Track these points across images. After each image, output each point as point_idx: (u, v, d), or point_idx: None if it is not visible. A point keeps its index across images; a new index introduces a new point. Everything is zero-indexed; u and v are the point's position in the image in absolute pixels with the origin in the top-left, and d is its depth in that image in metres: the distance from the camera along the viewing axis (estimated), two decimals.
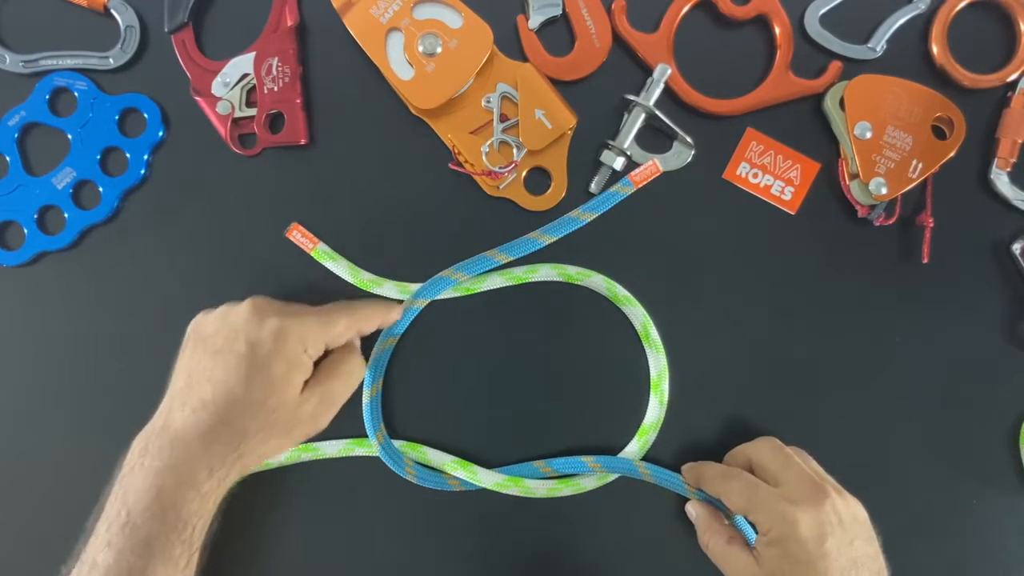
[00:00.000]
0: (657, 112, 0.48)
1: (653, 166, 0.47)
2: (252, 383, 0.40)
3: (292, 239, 0.48)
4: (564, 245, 0.48)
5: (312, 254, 0.48)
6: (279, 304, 0.43)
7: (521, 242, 0.47)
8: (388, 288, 0.48)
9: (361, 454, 0.48)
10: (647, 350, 0.48)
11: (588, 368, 0.49)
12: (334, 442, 0.48)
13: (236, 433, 0.40)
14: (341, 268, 0.48)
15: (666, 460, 0.48)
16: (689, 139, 0.48)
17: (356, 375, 0.45)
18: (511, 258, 0.48)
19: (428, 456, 0.48)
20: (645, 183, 0.47)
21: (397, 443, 0.48)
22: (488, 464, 0.48)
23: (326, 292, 0.49)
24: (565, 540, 0.48)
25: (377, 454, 0.47)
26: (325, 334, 0.43)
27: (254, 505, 0.48)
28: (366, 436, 0.48)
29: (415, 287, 0.48)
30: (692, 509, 0.47)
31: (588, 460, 0.47)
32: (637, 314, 0.48)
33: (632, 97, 0.48)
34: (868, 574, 0.40)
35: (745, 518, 0.43)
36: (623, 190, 0.47)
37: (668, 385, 0.48)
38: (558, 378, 0.49)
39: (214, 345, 0.41)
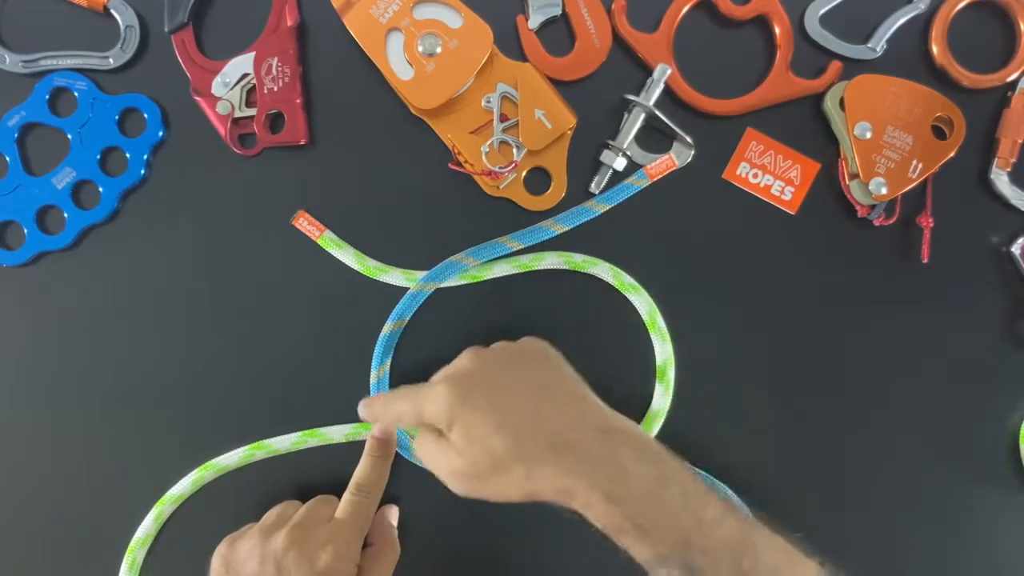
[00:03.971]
0: (657, 112, 0.48)
1: (669, 160, 0.47)
2: None
3: (299, 227, 0.48)
4: (567, 242, 0.48)
5: (319, 242, 0.48)
6: (309, 521, 0.43)
7: (533, 230, 0.48)
8: (395, 275, 0.48)
9: (366, 436, 0.48)
10: (653, 338, 0.48)
11: (594, 356, 0.48)
12: (340, 427, 0.48)
13: None
14: (347, 256, 0.48)
15: (673, 447, 0.48)
16: (689, 139, 0.48)
17: (393, 559, 0.46)
18: (522, 245, 0.48)
19: None
20: (660, 176, 0.47)
21: None
22: None
23: (325, 294, 0.49)
24: (570, 526, 0.48)
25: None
26: (363, 535, 0.44)
27: (261, 490, 0.48)
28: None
29: (421, 275, 0.48)
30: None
31: None
32: (643, 302, 0.48)
33: (632, 97, 0.48)
34: (560, 392, 0.39)
35: (428, 426, 0.41)
36: (638, 183, 0.48)
37: (674, 373, 0.48)
38: None
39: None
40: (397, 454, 0.48)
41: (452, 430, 0.38)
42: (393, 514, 0.48)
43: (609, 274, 0.48)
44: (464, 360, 0.41)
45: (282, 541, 0.41)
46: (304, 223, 0.48)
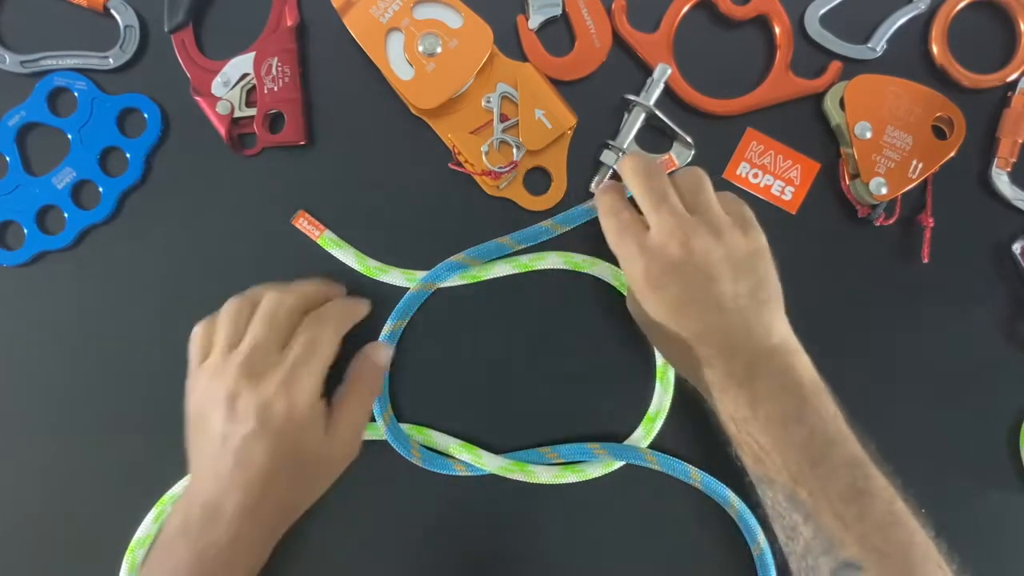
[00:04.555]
0: (657, 112, 0.48)
1: (669, 160, 0.48)
2: (285, 459, 0.40)
3: (299, 227, 0.48)
4: (568, 241, 0.48)
5: (319, 242, 0.48)
6: (261, 357, 0.41)
7: (533, 230, 0.48)
8: (395, 275, 0.48)
9: (367, 437, 0.47)
10: None
11: (595, 356, 0.49)
12: None
13: (279, 504, 0.41)
14: (348, 256, 0.48)
15: (672, 447, 0.48)
16: (689, 139, 0.48)
17: (368, 401, 0.44)
18: (521, 245, 0.48)
19: (434, 439, 0.48)
20: None
21: (403, 426, 0.48)
22: (494, 450, 0.48)
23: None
24: (570, 527, 0.49)
25: (383, 436, 0.47)
26: (325, 369, 0.42)
27: None
28: (372, 419, 0.48)
29: (421, 275, 0.48)
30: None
31: (594, 447, 0.47)
32: None
33: (632, 97, 0.48)
34: (741, 308, 0.39)
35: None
36: None
37: (674, 374, 0.48)
38: (565, 366, 0.49)
39: (231, 426, 0.40)
40: (400, 456, 0.47)
41: (631, 295, 0.43)
42: (379, 353, 0.46)
43: (609, 274, 0.48)
44: (671, 240, 0.40)
45: (232, 384, 0.40)
46: (304, 223, 0.48)
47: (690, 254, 0.40)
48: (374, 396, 0.45)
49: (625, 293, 0.48)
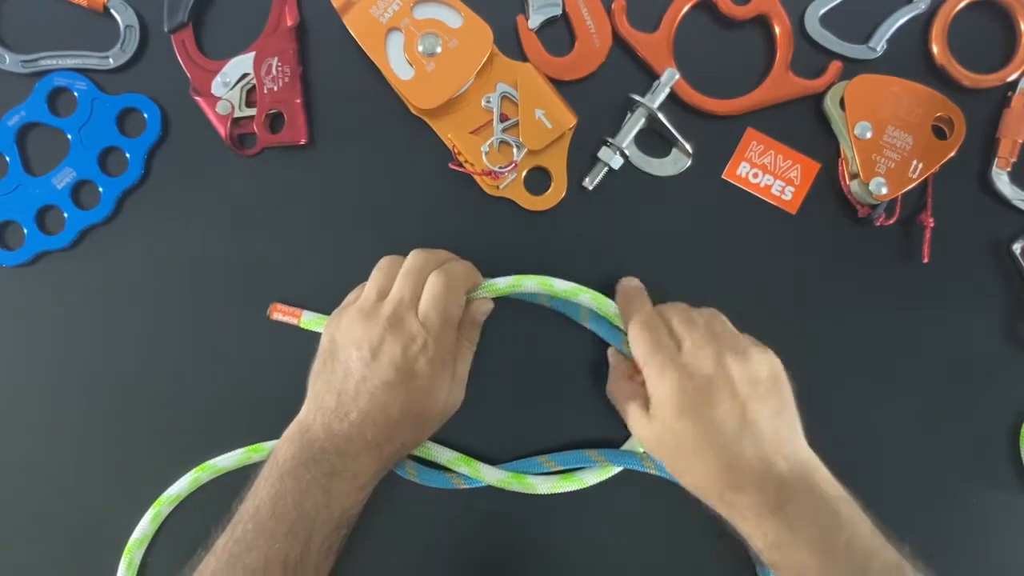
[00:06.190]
0: (660, 116, 0.48)
1: None
2: (414, 407, 0.42)
3: (276, 319, 0.48)
4: (567, 242, 0.48)
5: (301, 326, 0.48)
6: (406, 315, 0.42)
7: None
8: None
9: None
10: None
11: (593, 368, 0.49)
12: None
13: (401, 444, 0.43)
14: None
15: None
16: (688, 147, 0.48)
17: (471, 348, 0.46)
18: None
19: (431, 451, 0.48)
20: None
21: None
22: (490, 460, 0.48)
23: (326, 297, 0.49)
24: (569, 534, 0.48)
25: None
26: (455, 332, 0.44)
27: None
28: None
29: None
30: (613, 356, 0.47)
31: (591, 453, 0.47)
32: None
33: (637, 97, 0.48)
34: (766, 428, 0.40)
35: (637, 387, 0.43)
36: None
37: None
38: (561, 379, 0.49)
39: (371, 371, 0.41)
40: (395, 473, 0.47)
41: (657, 409, 0.41)
42: (481, 308, 0.46)
43: (594, 304, 0.46)
44: (705, 358, 0.40)
45: (379, 332, 0.41)
46: (279, 316, 0.48)
47: (724, 369, 0.40)
48: (473, 349, 0.47)
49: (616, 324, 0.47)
